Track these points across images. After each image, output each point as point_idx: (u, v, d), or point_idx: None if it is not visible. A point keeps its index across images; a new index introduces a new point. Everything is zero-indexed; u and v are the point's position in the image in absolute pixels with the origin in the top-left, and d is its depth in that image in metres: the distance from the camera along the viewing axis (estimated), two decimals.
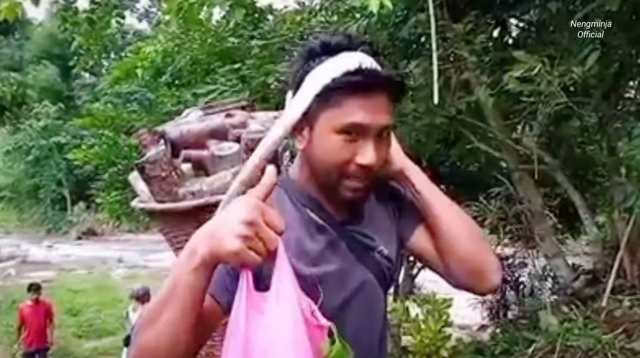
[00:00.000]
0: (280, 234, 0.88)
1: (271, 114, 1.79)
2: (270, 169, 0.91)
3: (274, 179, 0.92)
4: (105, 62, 22.18)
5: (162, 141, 1.69)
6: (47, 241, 20.71)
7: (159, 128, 1.74)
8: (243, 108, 1.85)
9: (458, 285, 1.19)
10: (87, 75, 26.40)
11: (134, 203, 1.76)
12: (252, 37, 4.86)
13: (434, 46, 2.80)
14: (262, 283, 0.92)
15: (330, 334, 0.94)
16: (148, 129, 1.78)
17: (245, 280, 0.90)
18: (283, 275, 0.91)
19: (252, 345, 0.88)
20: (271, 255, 0.89)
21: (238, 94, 3.96)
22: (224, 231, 0.86)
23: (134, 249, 16.76)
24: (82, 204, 22.37)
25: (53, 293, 12.34)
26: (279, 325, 0.88)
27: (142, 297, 6.28)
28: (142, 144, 1.75)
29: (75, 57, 7.63)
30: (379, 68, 1.05)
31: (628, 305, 3.46)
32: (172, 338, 0.91)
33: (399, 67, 4.03)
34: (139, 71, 6.16)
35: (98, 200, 8.67)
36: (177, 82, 6.07)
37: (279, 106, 1.93)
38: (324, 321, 0.94)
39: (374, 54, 1.07)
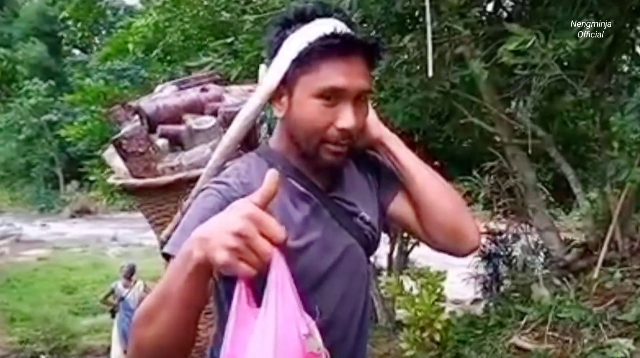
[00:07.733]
0: (278, 245, 0.82)
1: (246, 87, 1.79)
2: (272, 173, 0.84)
3: (276, 185, 0.84)
4: (96, 40, 21.94)
5: (136, 117, 1.66)
6: (40, 220, 20.62)
7: (133, 103, 1.71)
8: (216, 82, 1.83)
9: (438, 248, 1.21)
10: (77, 52, 26.09)
11: (110, 180, 1.71)
12: (244, 12, 4.80)
13: (428, 19, 2.78)
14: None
15: None
16: (121, 104, 1.74)
17: (238, 293, 0.85)
18: (277, 290, 0.83)
19: None
20: (268, 266, 0.83)
21: (231, 68, 3.93)
22: (215, 240, 0.81)
23: (128, 227, 16.72)
24: (74, 182, 22.26)
25: (48, 270, 12.37)
26: (264, 346, 0.81)
27: (129, 274, 6.42)
28: (115, 119, 1.73)
29: (64, 34, 7.55)
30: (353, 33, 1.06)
31: (619, 277, 3.50)
32: (172, 338, 0.90)
33: (393, 42, 4.01)
34: (130, 46, 6.11)
35: (91, 178, 8.64)
36: (168, 57, 6.01)
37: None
38: (317, 348, 0.87)
39: (348, 22, 1.08)
